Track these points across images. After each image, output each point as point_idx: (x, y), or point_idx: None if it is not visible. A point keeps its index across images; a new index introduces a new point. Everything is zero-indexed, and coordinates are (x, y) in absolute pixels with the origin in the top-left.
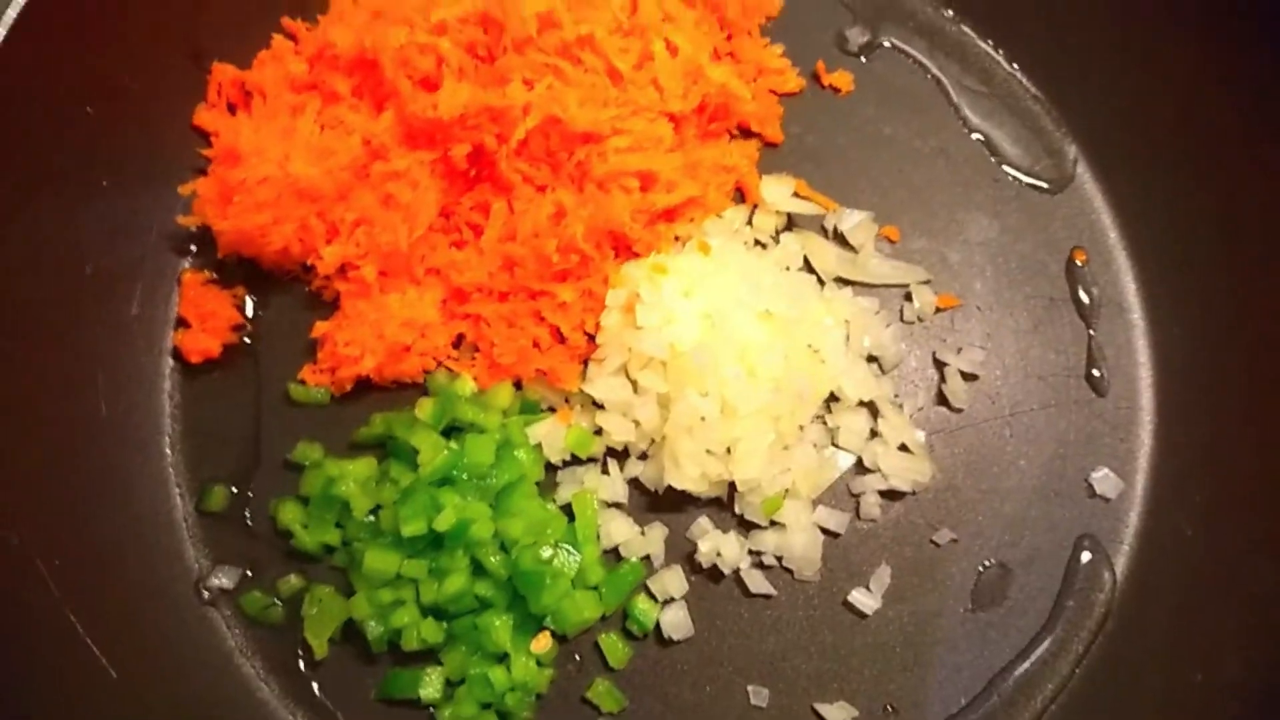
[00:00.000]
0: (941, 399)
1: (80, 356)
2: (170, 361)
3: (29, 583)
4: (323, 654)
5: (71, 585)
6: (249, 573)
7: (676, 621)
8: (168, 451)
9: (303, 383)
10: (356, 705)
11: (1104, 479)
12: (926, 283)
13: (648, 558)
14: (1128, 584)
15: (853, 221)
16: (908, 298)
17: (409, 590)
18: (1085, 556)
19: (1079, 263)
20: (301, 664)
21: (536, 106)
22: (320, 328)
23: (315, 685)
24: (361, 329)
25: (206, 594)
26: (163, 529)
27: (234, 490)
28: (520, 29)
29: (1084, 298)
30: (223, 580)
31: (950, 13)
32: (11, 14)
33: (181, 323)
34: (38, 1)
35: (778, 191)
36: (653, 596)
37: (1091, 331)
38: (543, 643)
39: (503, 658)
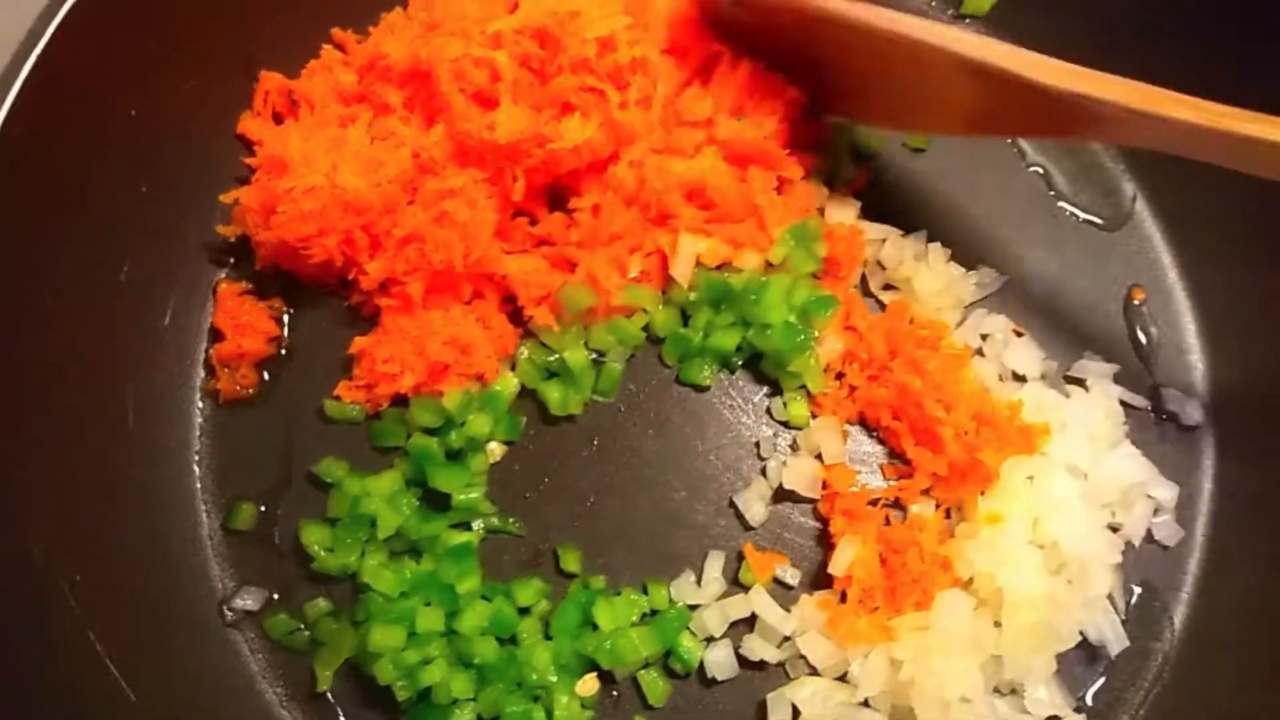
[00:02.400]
0: None
1: (111, 365)
2: (201, 374)
3: (49, 599)
4: (326, 686)
5: (92, 602)
6: (275, 595)
7: (721, 661)
8: (195, 467)
9: (338, 399)
10: None
11: (1162, 525)
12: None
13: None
14: (1186, 633)
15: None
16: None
17: (436, 646)
18: (1139, 601)
19: (1137, 301)
20: (329, 693)
21: (588, 149)
22: (358, 343)
23: (342, 716)
24: (402, 345)
25: (230, 615)
26: (187, 547)
27: (263, 509)
28: (579, 50)
29: (1142, 338)
30: (247, 602)
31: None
32: (61, 11)
33: (216, 336)
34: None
35: (843, 213)
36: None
37: (1150, 373)
38: (589, 685)
39: (539, 696)
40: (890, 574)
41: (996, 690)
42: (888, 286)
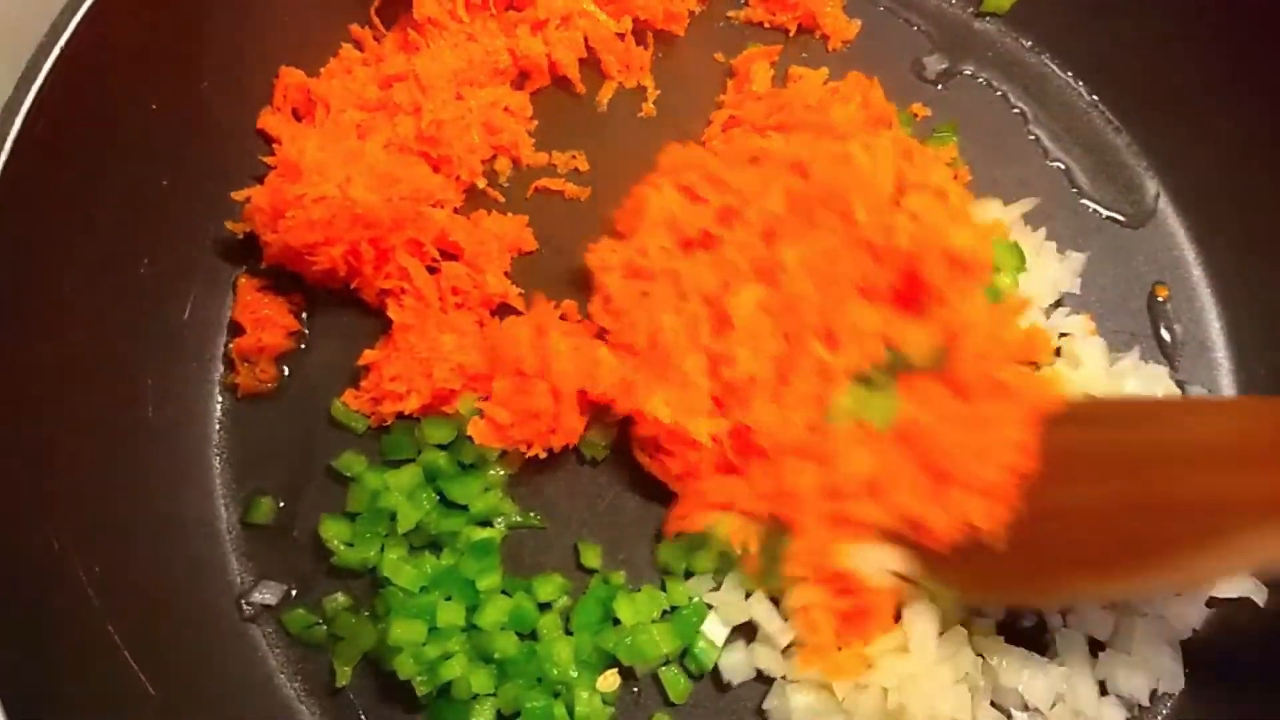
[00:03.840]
0: None
1: (131, 358)
2: (220, 368)
3: (69, 590)
4: (345, 681)
5: (111, 594)
6: (293, 590)
7: (735, 664)
8: (215, 461)
9: (345, 404)
10: None
11: None
12: None
13: None
14: (1208, 629)
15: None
16: None
17: (456, 641)
18: None
19: (1160, 299)
20: (347, 689)
21: None
22: (368, 356)
23: (361, 712)
24: (410, 365)
25: (248, 609)
26: (206, 540)
27: (282, 503)
28: None
29: (1166, 335)
30: (265, 596)
31: (1029, 43)
32: (84, 4)
33: (235, 330)
34: None
35: None
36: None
37: (1174, 369)
38: (610, 681)
39: (559, 692)
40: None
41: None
42: None
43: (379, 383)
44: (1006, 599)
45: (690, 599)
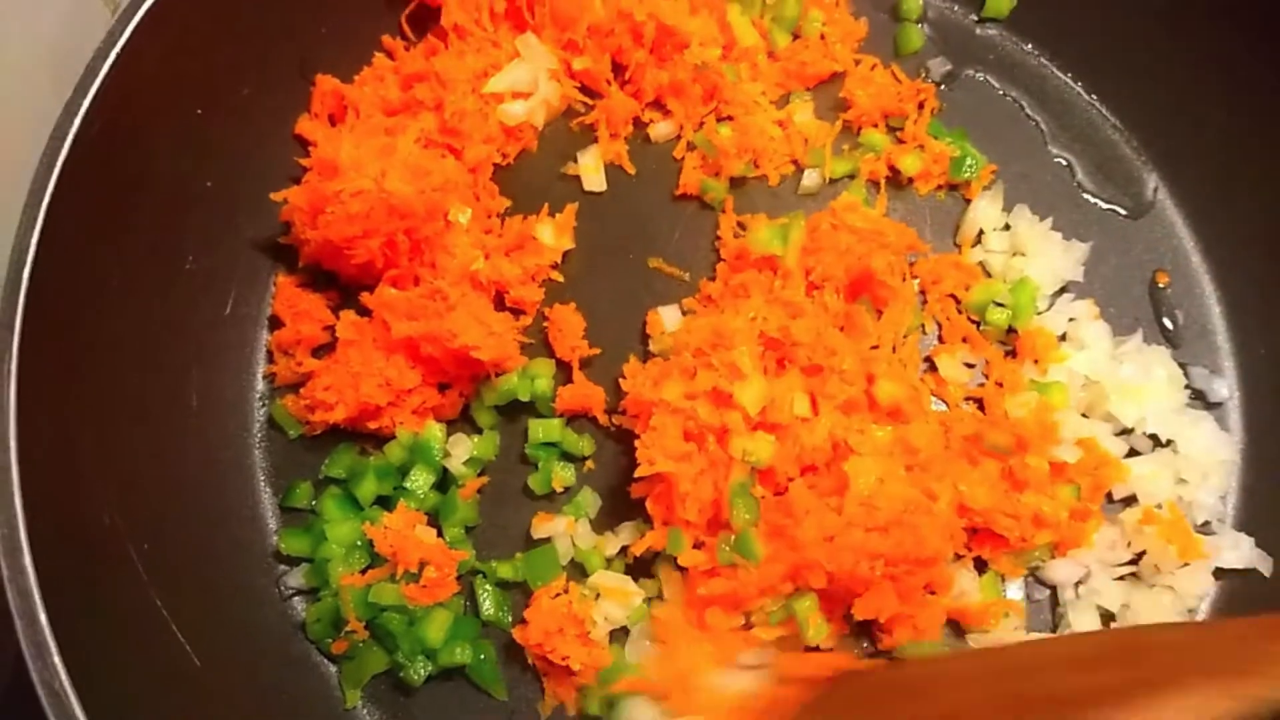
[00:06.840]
0: None
1: (176, 350)
2: (261, 360)
3: (120, 564)
4: (354, 703)
5: (159, 570)
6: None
7: None
8: (255, 448)
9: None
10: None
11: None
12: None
13: None
14: (1216, 607)
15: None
16: None
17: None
18: None
19: (1161, 285)
20: None
21: None
22: (310, 363)
23: (399, 692)
24: (342, 376)
25: (289, 591)
26: (247, 523)
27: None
28: None
29: (1167, 321)
30: (301, 580)
31: (1030, 46)
32: (137, 15)
33: (274, 324)
34: (161, 5)
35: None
36: None
37: (1176, 351)
38: None
39: None
40: None
41: None
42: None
43: (314, 390)
44: None
45: None
